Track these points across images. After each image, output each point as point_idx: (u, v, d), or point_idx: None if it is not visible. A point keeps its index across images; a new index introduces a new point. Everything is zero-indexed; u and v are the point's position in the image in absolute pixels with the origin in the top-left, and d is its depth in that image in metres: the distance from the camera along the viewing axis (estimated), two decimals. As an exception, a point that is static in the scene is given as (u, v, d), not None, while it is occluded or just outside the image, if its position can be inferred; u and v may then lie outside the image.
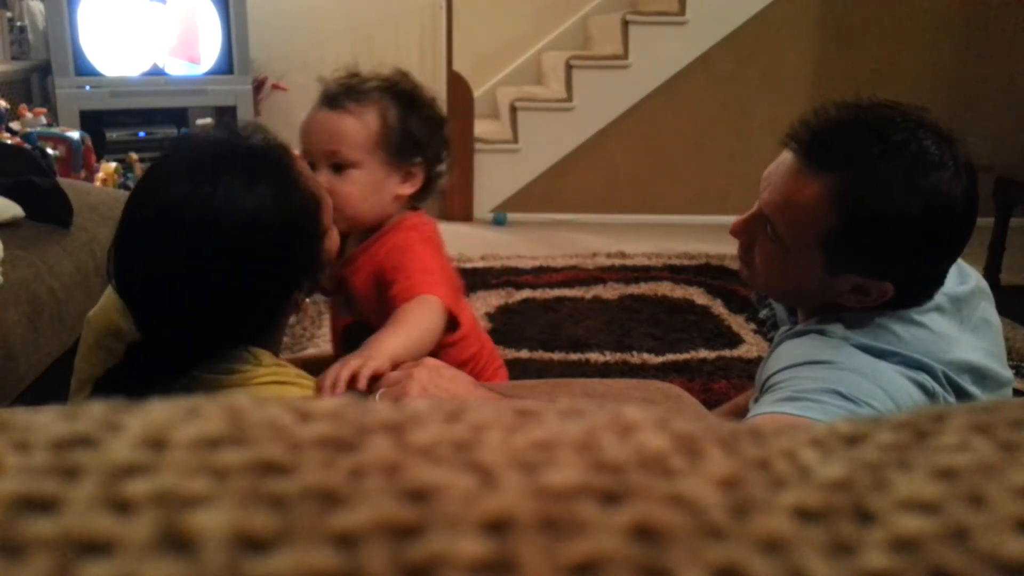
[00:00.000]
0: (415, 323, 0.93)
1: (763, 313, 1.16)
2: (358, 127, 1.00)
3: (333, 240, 0.87)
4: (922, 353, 0.84)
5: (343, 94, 1.01)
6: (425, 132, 1.04)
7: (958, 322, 0.90)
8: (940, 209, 0.80)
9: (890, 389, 0.81)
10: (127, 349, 0.79)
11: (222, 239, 0.70)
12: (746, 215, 0.93)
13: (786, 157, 0.87)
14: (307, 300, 0.84)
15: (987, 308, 0.96)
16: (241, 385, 0.77)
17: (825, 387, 0.80)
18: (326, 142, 0.99)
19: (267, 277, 0.74)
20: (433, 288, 0.98)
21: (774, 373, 0.86)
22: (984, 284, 0.98)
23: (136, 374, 0.77)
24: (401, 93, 1.03)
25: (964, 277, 0.93)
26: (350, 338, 1.05)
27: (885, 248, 0.83)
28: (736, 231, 0.94)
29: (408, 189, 1.04)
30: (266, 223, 0.72)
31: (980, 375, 0.88)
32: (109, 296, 0.87)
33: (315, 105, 1.02)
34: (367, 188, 1.01)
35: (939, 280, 0.87)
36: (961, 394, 0.86)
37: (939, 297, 0.89)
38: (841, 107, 0.86)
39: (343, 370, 0.79)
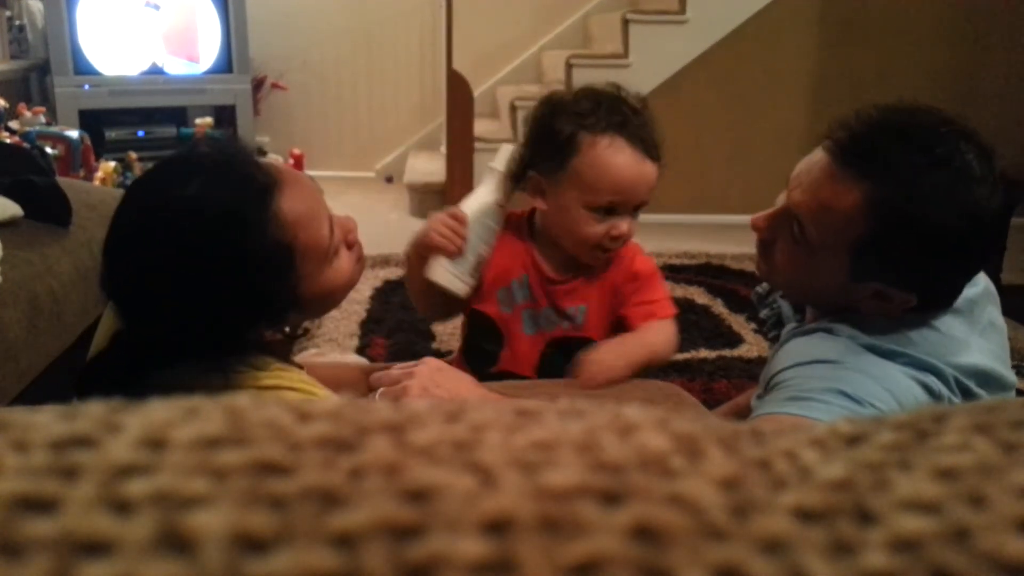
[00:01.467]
0: (657, 336, 1.07)
1: (763, 313, 1.16)
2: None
3: (332, 281, 0.84)
4: (931, 355, 0.84)
5: (651, 144, 1.04)
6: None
7: (969, 324, 0.90)
8: (975, 224, 0.79)
9: (895, 390, 0.80)
10: (112, 337, 0.79)
11: (174, 267, 0.72)
12: (771, 211, 0.92)
13: (821, 158, 0.85)
14: (282, 333, 0.82)
15: (993, 311, 0.96)
16: (236, 387, 0.77)
17: (830, 387, 0.79)
18: (646, 194, 1.05)
19: (213, 310, 0.74)
20: (668, 312, 1.11)
21: (780, 371, 0.86)
22: (992, 287, 0.97)
23: (120, 363, 0.78)
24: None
25: (974, 279, 0.93)
26: (561, 350, 1.12)
27: (916, 260, 0.81)
28: (759, 226, 0.93)
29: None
30: (216, 268, 0.72)
31: (986, 379, 0.87)
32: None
33: (626, 145, 1.02)
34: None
35: (960, 290, 0.87)
36: (969, 397, 0.86)
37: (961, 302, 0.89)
38: (883, 111, 0.84)
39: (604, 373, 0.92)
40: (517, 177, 1.09)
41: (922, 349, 0.84)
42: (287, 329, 0.83)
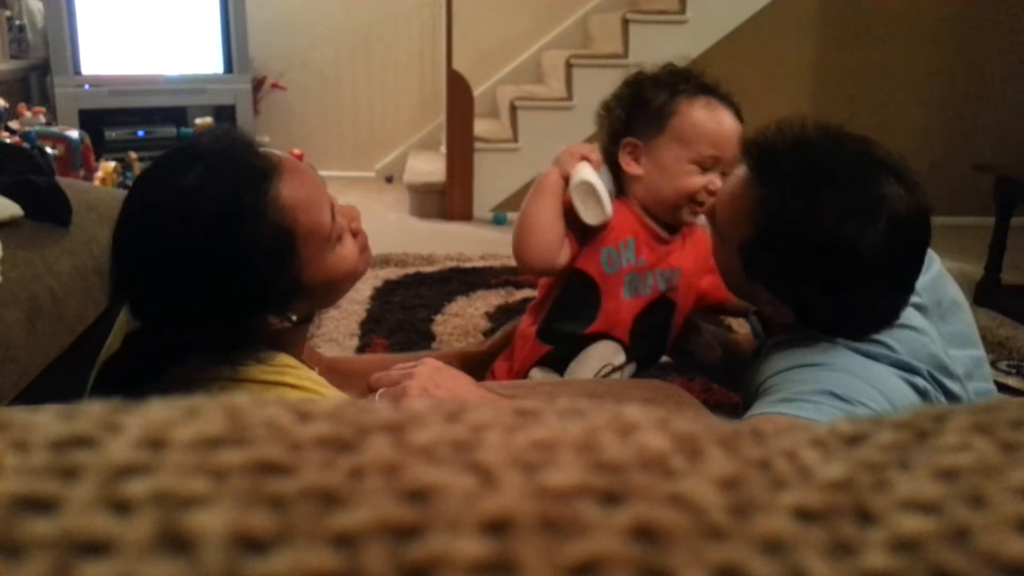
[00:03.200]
0: None
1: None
2: None
3: (335, 268, 0.83)
4: (910, 355, 0.85)
5: (729, 98, 1.15)
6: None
7: (938, 317, 0.92)
8: (846, 256, 0.81)
9: (884, 388, 0.81)
10: (124, 339, 0.80)
11: (179, 256, 0.73)
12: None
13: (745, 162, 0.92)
14: (289, 321, 0.82)
15: (952, 287, 0.98)
16: (238, 380, 0.77)
17: (819, 388, 0.80)
18: (735, 150, 1.09)
19: (218, 297, 0.75)
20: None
21: (767, 378, 0.86)
22: (941, 266, 0.99)
23: (134, 363, 0.78)
24: None
25: (926, 264, 0.93)
26: (652, 314, 1.18)
27: (788, 273, 0.85)
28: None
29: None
30: (217, 252, 0.73)
31: (945, 370, 0.89)
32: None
33: (716, 103, 1.13)
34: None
35: (868, 319, 0.87)
36: (946, 391, 0.87)
37: (915, 297, 0.90)
38: (803, 127, 0.87)
39: None
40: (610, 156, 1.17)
41: (900, 350, 0.85)
42: (293, 318, 0.82)
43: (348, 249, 0.85)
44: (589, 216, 1.11)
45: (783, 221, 0.83)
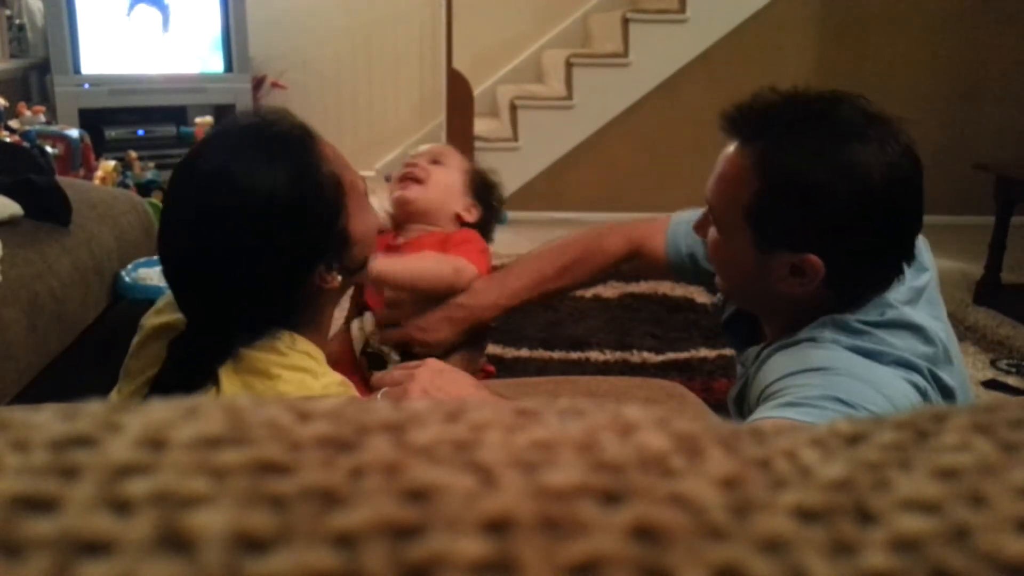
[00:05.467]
0: (429, 261, 1.15)
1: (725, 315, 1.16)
2: (463, 161, 1.33)
3: (369, 223, 0.89)
4: (905, 350, 0.85)
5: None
6: (492, 208, 1.32)
7: (929, 310, 0.92)
8: (854, 178, 0.81)
9: (888, 392, 0.80)
10: (169, 348, 0.81)
11: (239, 210, 0.77)
12: (702, 213, 0.96)
13: (726, 146, 0.90)
14: (337, 277, 0.85)
15: (933, 281, 0.97)
16: (264, 367, 0.78)
17: (825, 393, 0.79)
18: (436, 151, 1.31)
19: (284, 249, 0.79)
20: (463, 257, 1.19)
21: (771, 383, 0.85)
22: (935, 274, 0.98)
23: (181, 367, 0.80)
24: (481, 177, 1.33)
25: (918, 271, 0.93)
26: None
27: (803, 216, 0.83)
28: (696, 228, 0.98)
29: (467, 217, 1.28)
30: (281, 197, 0.78)
31: (944, 360, 0.89)
32: (165, 299, 0.91)
33: None
34: (449, 189, 1.26)
35: (884, 272, 0.86)
36: (943, 388, 0.86)
37: (907, 292, 0.89)
38: (774, 90, 0.88)
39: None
40: None
41: (899, 347, 0.85)
42: (338, 277, 0.85)
43: (371, 210, 0.92)
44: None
45: (786, 162, 0.82)
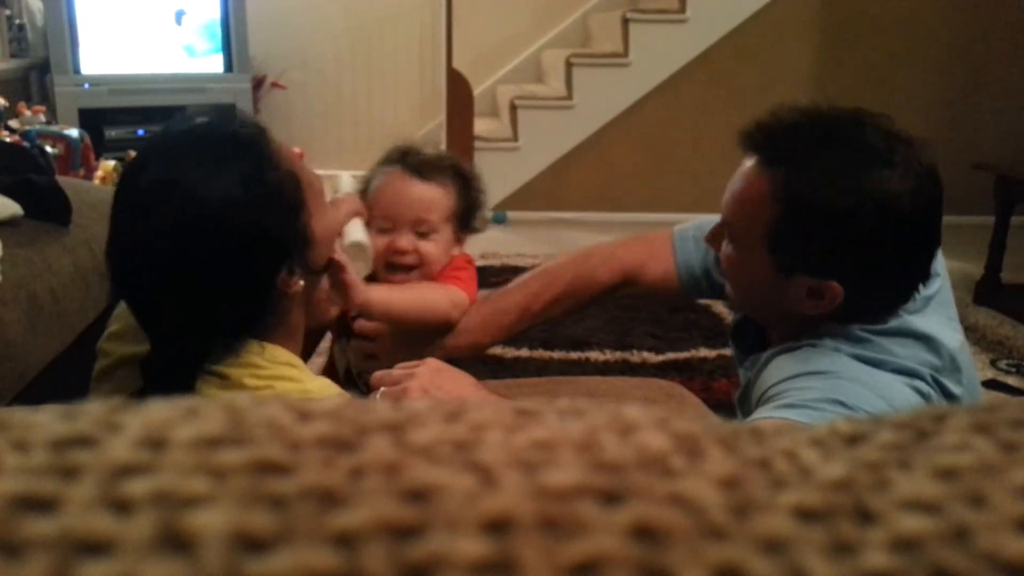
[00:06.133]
0: (428, 292, 1.09)
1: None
2: (444, 200, 1.13)
3: (328, 223, 0.86)
4: (909, 359, 0.84)
5: (427, 168, 1.12)
6: (476, 207, 1.21)
7: (939, 316, 0.91)
8: (878, 206, 0.79)
9: (888, 396, 0.80)
10: (141, 369, 0.79)
11: (195, 218, 0.72)
12: (715, 224, 0.94)
13: (744, 161, 0.88)
14: (300, 282, 0.82)
15: (945, 285, 0.96)
16: (248, 382, 0.76)
17: (826, 396, 0.79)
18: (416, 211, 1.12)
19: (246, 255, 0.75)
20: (461, 289, 1.14)
21: (772, 386, 0.85)
22: (946, 277, 0.96)
23: (162, 391, 0.77)
24: (461, 173, 1.19)
25: (929, 284, 0.92)
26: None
27: (826, 243, 0.82)
28: (708, 240, 0.95)
29: (458, 251, 1.20)
30: (238, 202, 0.73)
31: (950, 369, 0.88)
32: (118, 316, 0.87)
33: (396, 172, 1.12)
34: (442, 250, 1.14)
35: (902, 291, 0.86)
36: (947, 395, 0.86)
37: (915, 301, 0.88)
38: (796, 108, 0.86)
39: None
40: None
41: (902, 356, 0.84)
42: (301, 282, 0.82)
43: (331, 208, 0.88)
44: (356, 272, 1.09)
45: (810, 189, 0.80)
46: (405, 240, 1.10)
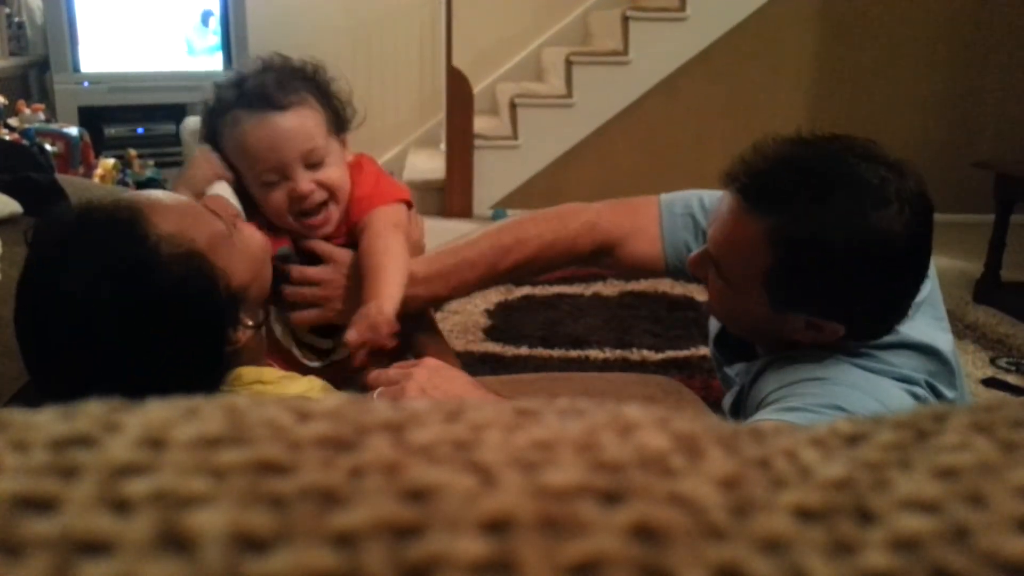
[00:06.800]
0: (399, 256, 0.98)
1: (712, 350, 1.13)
2: (314, 116, 0.99)
3: (247, 259, 0.81)
4: (908, 367, 0.85)
5: (276, 94, 0.96)
6: (339, 99, 1.06)
7: (927, 319, 0.90)
8: (878, 247, 0.78)
9: (888, 402, 0.80)
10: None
11: (114, 331, 0.69)
12: (698, 251, 0.92)
13: (728, 197, 0.85)
14: (247, 331, 0.79)
15: (934, 285, 0.95)
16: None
17: (826, 402, 0.79)
18: (297, 146, 0.96)
19: (183, 344, 0.71)
20: (389, 201, 1.04)
21: (770, 392, 0.85)
22: (934, 276, 0.96)
23: None
24: (304, 74, 1.03)
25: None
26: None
27: (825, 289, 0.81)
28: (691, 265, 0.93)
29: (349, 157, 1.06)
30: (129, 313, 0.69)
31: (944, 374, 0.88)
32: None
33: (249, 112, 0.96)
34: (342, 169, 1.02)
35: (898, 315, 0.85)
36: (940, 398, 0.86)
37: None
38: (780, 144, 0.84)
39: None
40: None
41: (896, 364, 0.85)
42: (250, 323, 0.81)
43: (247, 230, 0.84)
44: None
45: (808, 236, 0.79)
46: (303, 182, 0.96)
